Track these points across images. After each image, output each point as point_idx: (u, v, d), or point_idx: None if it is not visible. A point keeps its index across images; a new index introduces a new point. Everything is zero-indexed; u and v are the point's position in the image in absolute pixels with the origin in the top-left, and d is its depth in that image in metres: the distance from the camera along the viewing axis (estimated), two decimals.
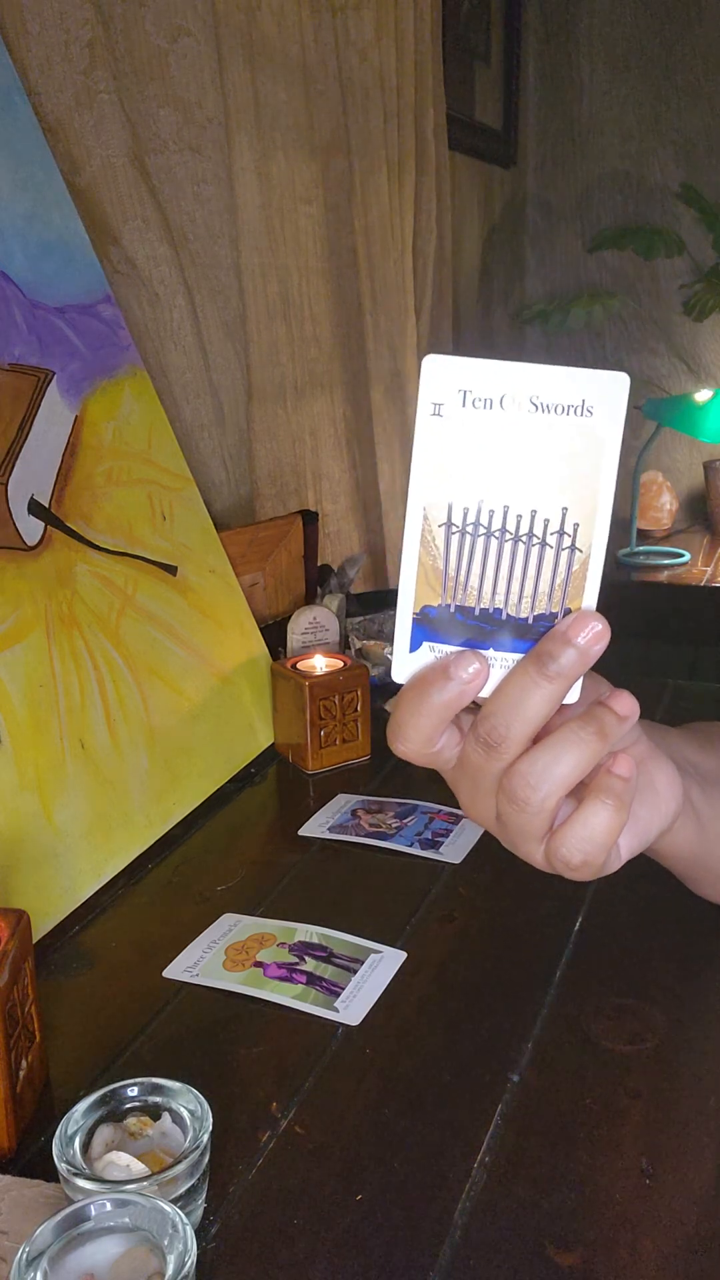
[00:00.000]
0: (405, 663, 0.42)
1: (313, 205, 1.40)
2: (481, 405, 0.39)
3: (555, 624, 0.40)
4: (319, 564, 1.31)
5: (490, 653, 0.41)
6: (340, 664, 1.03)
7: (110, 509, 0.94)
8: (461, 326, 2.05)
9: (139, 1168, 0.50)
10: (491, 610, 0.41)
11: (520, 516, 0.40)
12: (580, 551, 0.40)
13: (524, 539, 0.40)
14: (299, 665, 1.04)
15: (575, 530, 0.40)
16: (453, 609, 0.41)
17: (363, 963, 0.72)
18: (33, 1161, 0.57)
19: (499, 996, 0.69)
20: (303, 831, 0.90)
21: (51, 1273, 0.44)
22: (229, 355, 1.34)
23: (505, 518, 0.40)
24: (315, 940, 0.74)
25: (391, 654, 0.43)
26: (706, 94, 2.28)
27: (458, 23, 1.99)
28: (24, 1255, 0.43)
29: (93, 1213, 0.46)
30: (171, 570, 0.99)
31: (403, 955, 0.73)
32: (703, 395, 2.25)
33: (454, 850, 0.86)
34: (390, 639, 1.18)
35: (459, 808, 0.99)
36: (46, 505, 0.87)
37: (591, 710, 0.41)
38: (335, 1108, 0.60)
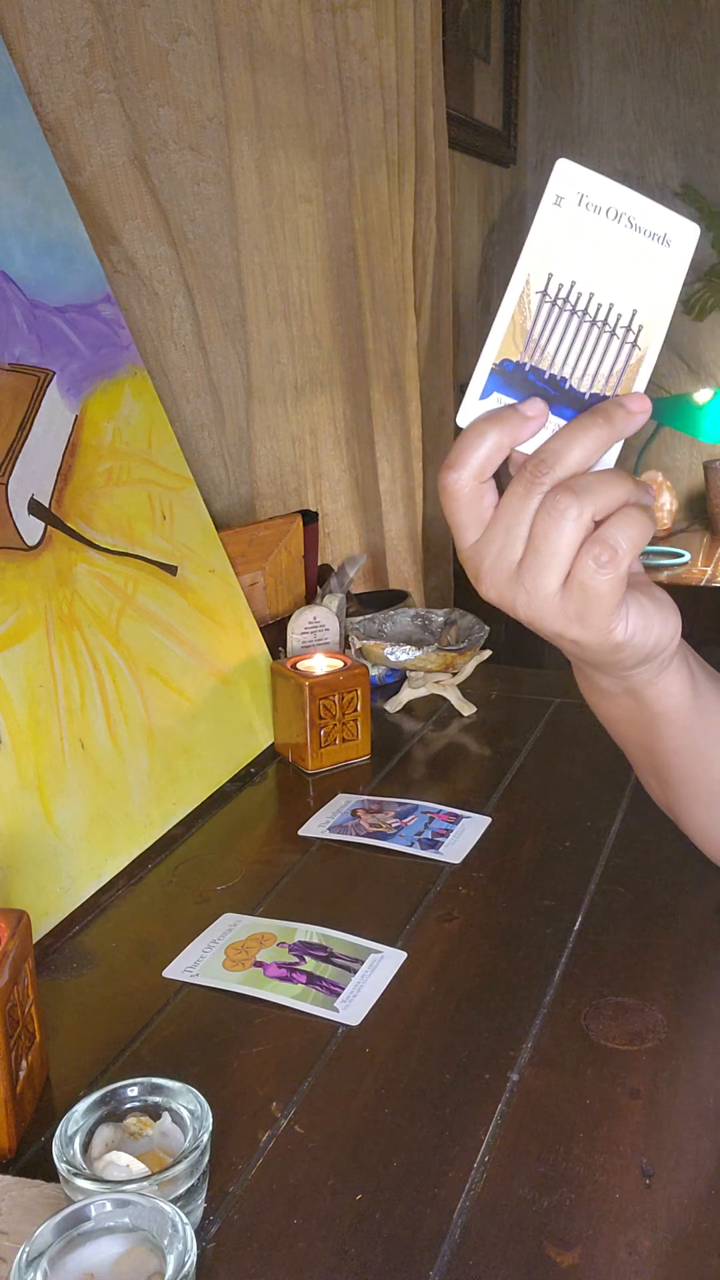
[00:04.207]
0: (474, 408, 0.49)
1: (312, 204, 1.40)
2: (593, 209, 0.47)
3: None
4: (319, 564, 1.31)
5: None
6: (340, 664, 1.03)
7: (110, 509, 0.94)
8: (461, 325, 2.05)
9: (139, 1168, 0.50)
10: (559, 378, 0.49)
11: (600, 305, 0.48)
12: (639, 349, 0.48)
13: (599, 324, 0.48)
14: (299, 665, 1.04)
15: (639, 331, 0.48)
16: (527, 367, 0.49)
17: (363, 963, 0.72)
18: (33, 1161, 0.57)
19: (499, 996, 0.69)
20: (303, 831, 0.90)
21: (51, 1273, 0.44)
22: (229, 354, 1.34)
23: (589, 302, 0.48)
24: (315, 940, 0.74)
25: (463, 404, 0.49)
26: (706, 93, 2.28)
27: (457, 21, 1.99)
28: (24, 1255, 0.43)
29: (93, 1213, 0.46)
30: (171, 570, 0.99)
31: (403, 955, 0.73)
32: (703, 395, 2.25)
33: (454, 850, 0.86)
34: (389, 638, 1.18)
35: (459, 808, 0.99)
36: (46, 505, 0.87)
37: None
38: (335, 1108, 0.60)
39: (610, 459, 0.48)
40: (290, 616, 1.11)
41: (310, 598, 1.25)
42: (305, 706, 0.99)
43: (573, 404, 0.48)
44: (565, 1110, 0.59)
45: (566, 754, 1.04)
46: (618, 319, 0.48)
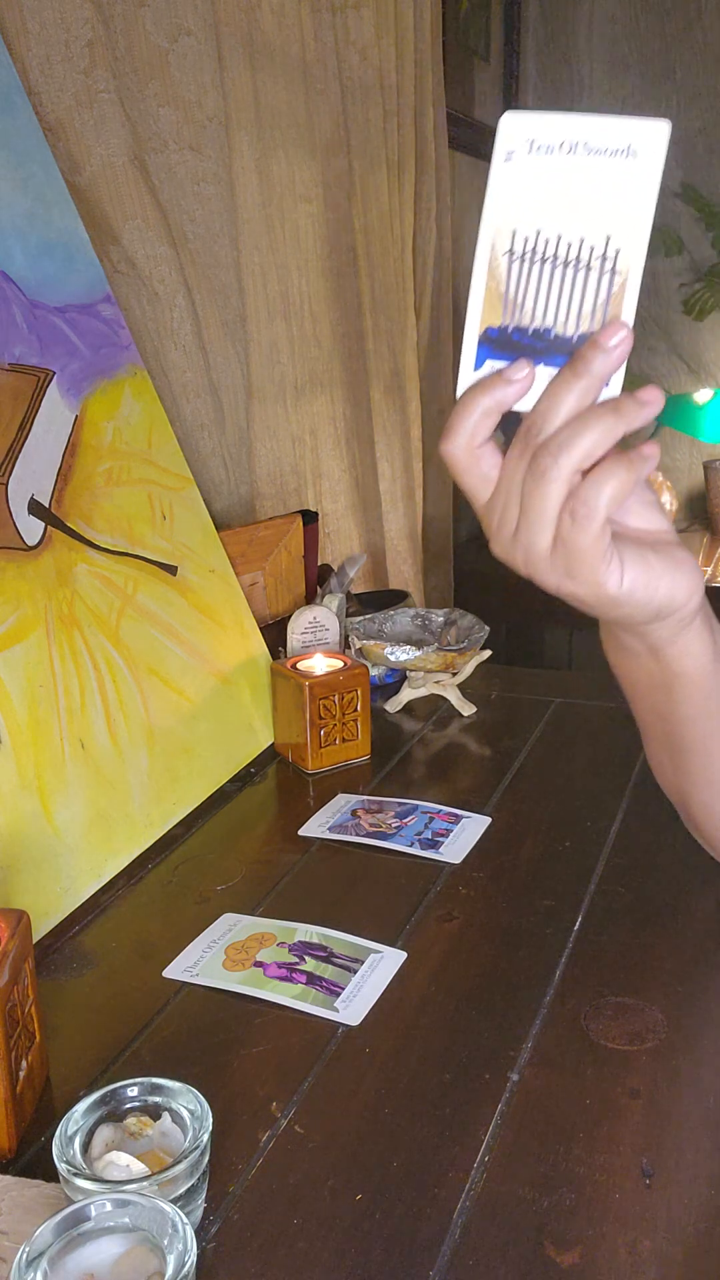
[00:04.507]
0: (468, 380, 0.49)
1: (313, 204, 1.40)
2: (544, 150, 0.47)
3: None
4: (319, 564, 1.31)
5: (540, 368, 0.48)
6: (340, 664, 1.03)
7: (110, 509, 0.94)
8: (461, 325, 2.05)
9: (139, 1168, 0.50)
10: (542, 329, 0.48)
11: (570, 244, 0.47)
12: (619, 274, 0.47)
13: (571, 264, 0.47)
14: (299, 665, 1.04)
15: (616, 255, 0.47)
16: (510, 329, 0.49)
17: (363, 963, 0.72)
18: (33, 1161, 0.57)
19: (499, 996, 0.69)
20: (302, 831, 0.90)
21: (51, 1273, 0.44)
22: (229, 355, 1.34)
23: (558, 245, 0.47)
24: (315, 940, 0.74)
25: (459, 378, 0.50)
26: (706, 93, 2.28)
27: (458, 21, 1.99)
28: (24, 1255, 0.43)
29: (93, 1213, 0.46)
30: (171, 570, 0.99)
31: (403, 955, 0.73)
32: (703, 395, 2.25)
33: (454, 850, 0.86)
34: (389, 638, 1.18)
35: (459, 808, 0.99)
36: (46, 505, 0.87)
37: (616, 398, 0.48)
38: (335, 1108, 0.60)
39: (614, 387, 0.48)
40: (290, 616, 1.11)
41: (310, 598, 1.25)
42: (305, 706, 0.99)
43: (563, 350, 0.48)
44: (565, 1110, 0.59)
45: (566, 754, 1.04)
46: (590, 251, 0.47)
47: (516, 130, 0.47)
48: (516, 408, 0.49)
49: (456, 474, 0.51)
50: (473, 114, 2.11)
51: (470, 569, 2.05)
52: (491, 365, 0.49)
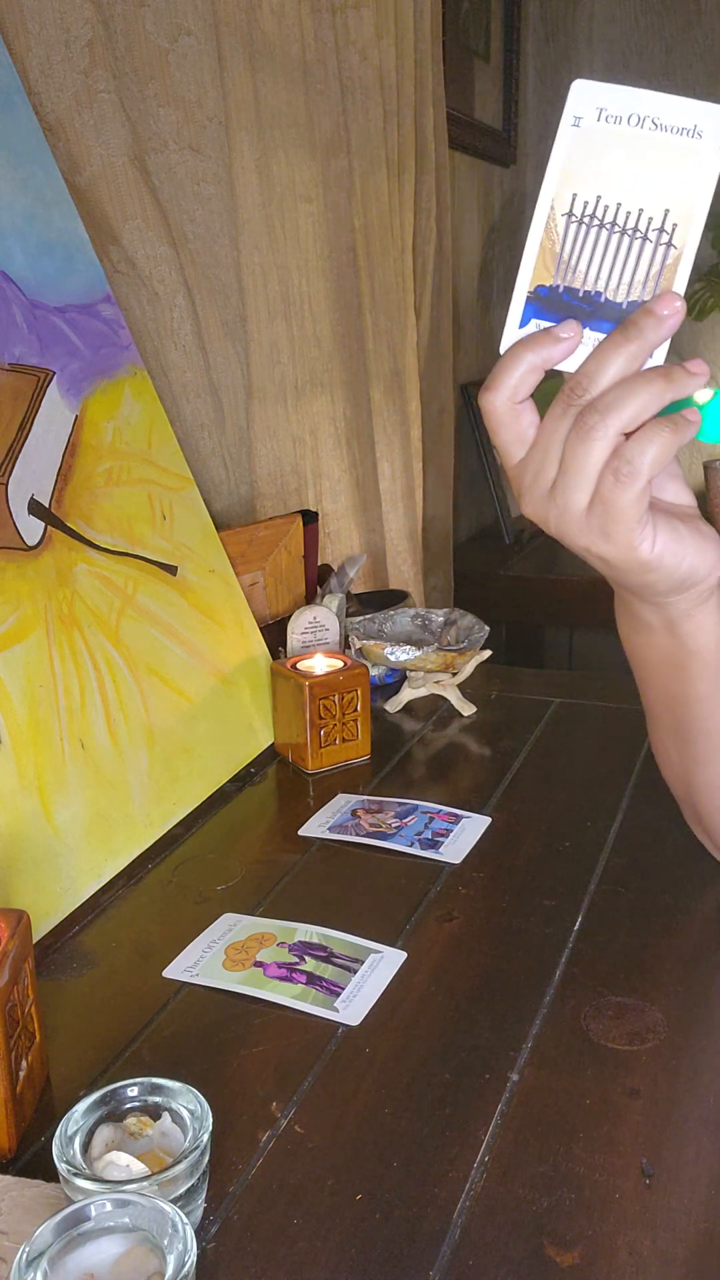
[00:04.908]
0: (513, 336, 0.50)
1: (313, 204, 1.40)
2: (612, 120, 0.48)
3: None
4: (319, 564, 1.31)
5: (586, 331, 0.49)
6: (340, 664, 1.03)
7: (110, 509, 0.94)
8: (461, 325, 2.05)
9: (139, 1168, 0.50)
10: (593, 293, 0.49)
11: (629, 213, 0.48)
12: (675, 248, 0.48)
13: (628, 232, 0.48)
14: (299, 665, 1.04)
15: (673, 229, 0.48)
16: (561, 289, 0.49)
17: (363, 963, 0.72)
18: (33, 1161, 0.57)
19: (499, 996, 0.69)
20: (302, 831, 0.90)
21: (51, 1273, 0.44)
22: (229, 355, 1.34)
23: (617, 213, 0.48)
24: (315, 940, 0.74)
25: (504, 334, 0.51)
26: (706, 94, 2.28)
27: (458, 21, 1.99)
28: (24, 1255, 0.43)
29: (93, 1213, 0.46)
30: (171, 570, 0.99)
31: (403, 955, 0.73)
32: (703, 395, 2.25)
33: (454, 850, 0.86)
34: (389, 638, 1.18)
35: (459, 807, 0.99)
36: (46, 505, 0.87)
37: (668, 365, 0.49)
38: (335, 1108, 0.60)
39: (659, 357, 0.48)
40: (290, 616, 1.11)
41: (310, 598, 1.25)
42: (305, 706, 0.99)
43: (611, 316, 0.49)
44: (565, 1110, 0.59)
45: (566, 754, 1.04)
46: (648, 222, 0.48)
47: (587, 97, 0.48)
48: (560, 368, 0.49)
49: (493, 428, 0.51)
50: (473, 114, 2.11)
51: (470, 569, 2.05)
52: (537, 324, 0.49)
